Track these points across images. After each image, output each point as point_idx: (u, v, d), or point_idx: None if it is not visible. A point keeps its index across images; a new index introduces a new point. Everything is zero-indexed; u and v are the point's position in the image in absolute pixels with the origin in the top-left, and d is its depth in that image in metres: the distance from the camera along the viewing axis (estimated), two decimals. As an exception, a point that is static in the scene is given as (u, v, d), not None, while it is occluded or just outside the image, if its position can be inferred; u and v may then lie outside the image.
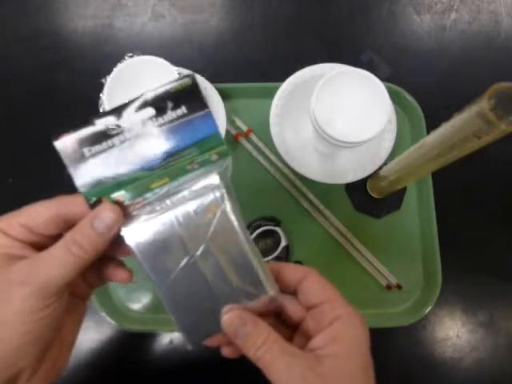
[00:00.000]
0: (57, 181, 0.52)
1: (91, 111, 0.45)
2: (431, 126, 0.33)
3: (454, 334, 0.49)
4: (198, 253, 0.23)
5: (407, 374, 0.48)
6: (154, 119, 0.22)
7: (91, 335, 0.48)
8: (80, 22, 0.59)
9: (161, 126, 0.22)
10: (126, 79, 0.43)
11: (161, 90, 0.21)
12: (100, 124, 0.21)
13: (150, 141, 0.22)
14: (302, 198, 0.51)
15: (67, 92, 0.56)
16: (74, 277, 0.22)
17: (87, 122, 0.21)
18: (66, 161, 0.22)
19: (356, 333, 0.23)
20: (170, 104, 0.22)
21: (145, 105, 0.21)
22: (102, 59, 0.57)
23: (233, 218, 0.23)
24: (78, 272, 0.22)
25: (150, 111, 0.22)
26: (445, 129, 0.32)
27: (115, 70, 0.43)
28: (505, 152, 0.53)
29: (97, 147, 0.22)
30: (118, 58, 0.43)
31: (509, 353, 0.48)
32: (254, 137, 0.53)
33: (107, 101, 0.42)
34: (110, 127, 0.22)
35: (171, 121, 0.22)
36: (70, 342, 0.25)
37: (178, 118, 0.22)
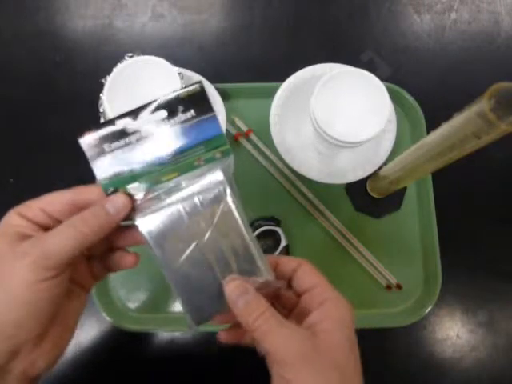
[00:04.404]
0: (57, 181, 0.52)
1: (91, 111, 0.45)
2: (431, 126, 0.33)
3: (454, 334, 0.49)
4: (203, 241, 0.26)
5: (407, 373, 0.48)
6: (167, 120, 0.25)
7: (92, 334, 0.48)
8: (80, 22, 0.59)
9: (172, 126, 0.25)
10: (126, 79, 0.43)
11: (173, 95, 0.24)
12: (119, 124, 0.24)
13: (163, 139, 0.25)
14: (302, 198, 0.51)
15: (67, 92, 0.56)
16: (75, 253, 0.23)
17: (108, 122, 0.24)
18: (88, 154, 0.24)
19: (342, 312, 0.26)
20: (180, 107, 0.25)
21: (158, 108, 0.24)
22: (101, 59, 0.57)
23: (234, 209, 0.26)
24: (78, 249, 0.23)
25: (163, 113, 0.25)
26: (445, 129, 0.32)
27: (115, 70, 0.43)
28: (505, 152, 0.53)
29: (115, 144, 0.25)
30: (118, 58, 0.43)
31: (509, 353, 0.48)
32: (253, 137, 0.53)
33: (107, 101, 0.42)
34: (128, 127, 0.24)
35: (181, 122, 0.25)
36: (70, 326, 0.27)
37: (188, 119, 0.25)
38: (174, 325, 0.48)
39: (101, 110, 0.44)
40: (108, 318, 0.46)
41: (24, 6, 0.60)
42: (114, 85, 0.42)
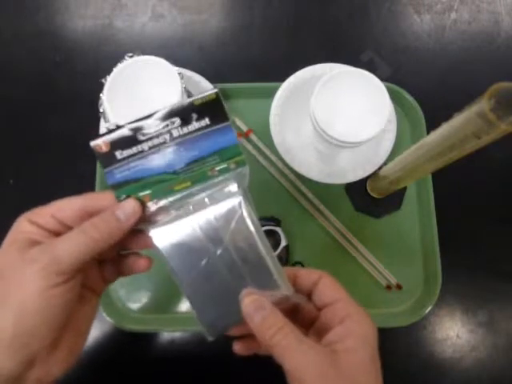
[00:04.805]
0: (57, 181, 0.52)
1: (91, 111, 0.45)
2: (431, 126, 0.33)
3: (454, 333, 0.49)
4: (217, 254, 0.25)
5: (407, 373, 0.48)
6: (180, 128, 0.24)
7: (92, 335, 0.48)
8: (80, 22, 0.59)
9: (186, 134, 0.24)
10: (125, 79, 0.43)
11: (186, 102, 0.24)
12: (131, 130, 0.24)
13: (176, 148, 0.24)
14: (302, 197, 0.51)
15: (67, 92, 0.56)
16: (86, 259, 0.23)
17: (120, 127, 0.24)
18: (100, 160, 0.24)
19: (365, 328, 0.25)
20: (194, 115, 0.24)
21: (171, 115, 0.24)
22: (101, 59, 0.57)
23: (249, 223, 0.25)
24: (89, 254, 0.23)
25: (176, 121, 0.24)
26: (445, 129, 0.32)
27: (115, 70, 0.43)
28: (505, 152, 0.53)
29: (128, 151, 0.24)
30: (118, 58, 0.43)
31: (509, 353, 0.48)
32: (253, 137, 0.53)
33: (107, 101, 0.42)
34: (140, 134, 0.24)
35: (195, 130, 0.24)
36: (83, 332, 0.27)
37: (202, 128, 0.24)
38: (175, 325, 0.48)
39: (101, 110, 0.44)
40: (108, 319, 0.46)
41: (24, 6, 0.60)
42: (114, 85, 0.42)
